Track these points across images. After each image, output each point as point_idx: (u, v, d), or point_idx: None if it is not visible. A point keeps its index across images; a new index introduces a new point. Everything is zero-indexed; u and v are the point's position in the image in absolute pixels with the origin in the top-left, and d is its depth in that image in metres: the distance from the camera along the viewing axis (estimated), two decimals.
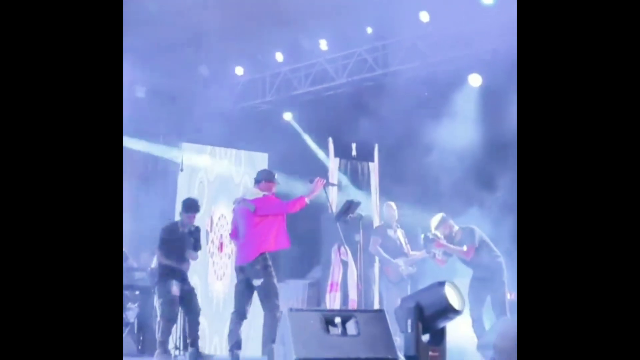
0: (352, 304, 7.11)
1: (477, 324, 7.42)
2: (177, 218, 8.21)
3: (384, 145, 10.00)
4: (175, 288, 7.52)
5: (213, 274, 10.27)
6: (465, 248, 7.56)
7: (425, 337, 5.14)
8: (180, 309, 7.69)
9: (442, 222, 7.77)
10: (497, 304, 7.51)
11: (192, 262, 7.92)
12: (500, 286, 7.58)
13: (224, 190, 10.69)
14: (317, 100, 10.34)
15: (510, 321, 6.28)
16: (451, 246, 7.65)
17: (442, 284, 4.94)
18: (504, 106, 8.63)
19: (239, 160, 10.98)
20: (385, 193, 9.69)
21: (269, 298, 6.43)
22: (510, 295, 8.17)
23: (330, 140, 9.86)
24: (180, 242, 7.73)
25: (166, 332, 7.61)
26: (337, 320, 5.36)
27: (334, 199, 8.91)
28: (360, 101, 10.01)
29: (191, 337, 7.63)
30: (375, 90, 9.88)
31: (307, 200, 6.51)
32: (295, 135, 10.61)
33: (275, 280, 6.52)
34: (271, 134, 10.53)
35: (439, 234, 7.66)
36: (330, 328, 5.33)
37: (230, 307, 6.85)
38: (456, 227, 7.79)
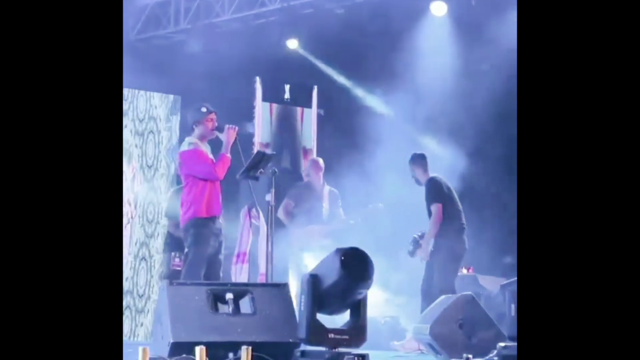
0: (262, 278, 6.90)
1: (425, 302, 7.13)
2: None
3: (323, 88, 9.80)
4: None
5: None
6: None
7: (344, 316, 4.81)
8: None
9: (419, 160, 7.61)
10: (443, 280, 7.27)
11: None
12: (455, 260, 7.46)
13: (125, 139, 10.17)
14: (243, 30, 10.07)
15: (454, 299, 6.04)
16: (427, 244, 7.47)
17: (339, 250, 4.66)
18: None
19: (143, 103, 10.35)
20: (324, 146, 9.54)
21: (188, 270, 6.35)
22: (468, 271, 8.07)
23: (258, 79, 9.64)
24: None
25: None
26: (229, 296, 5.23)
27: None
28: (296, 33, 9.90)
29: None
30: (315, 19, 9.56)
31: (228, 155, 6.40)
32: (214, 73, 10.11)
33: (205, 250, 6.36)
34: (185, 71, 10.05)
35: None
36: (220, 306, 5.22)
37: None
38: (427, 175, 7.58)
